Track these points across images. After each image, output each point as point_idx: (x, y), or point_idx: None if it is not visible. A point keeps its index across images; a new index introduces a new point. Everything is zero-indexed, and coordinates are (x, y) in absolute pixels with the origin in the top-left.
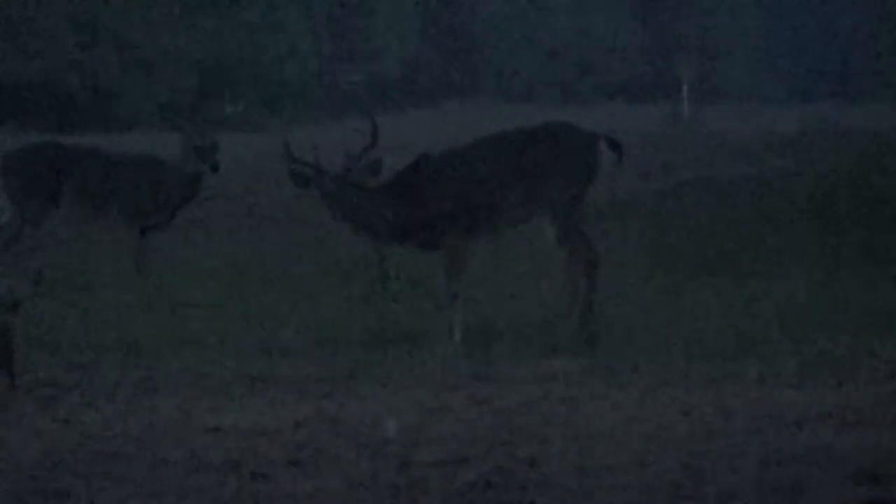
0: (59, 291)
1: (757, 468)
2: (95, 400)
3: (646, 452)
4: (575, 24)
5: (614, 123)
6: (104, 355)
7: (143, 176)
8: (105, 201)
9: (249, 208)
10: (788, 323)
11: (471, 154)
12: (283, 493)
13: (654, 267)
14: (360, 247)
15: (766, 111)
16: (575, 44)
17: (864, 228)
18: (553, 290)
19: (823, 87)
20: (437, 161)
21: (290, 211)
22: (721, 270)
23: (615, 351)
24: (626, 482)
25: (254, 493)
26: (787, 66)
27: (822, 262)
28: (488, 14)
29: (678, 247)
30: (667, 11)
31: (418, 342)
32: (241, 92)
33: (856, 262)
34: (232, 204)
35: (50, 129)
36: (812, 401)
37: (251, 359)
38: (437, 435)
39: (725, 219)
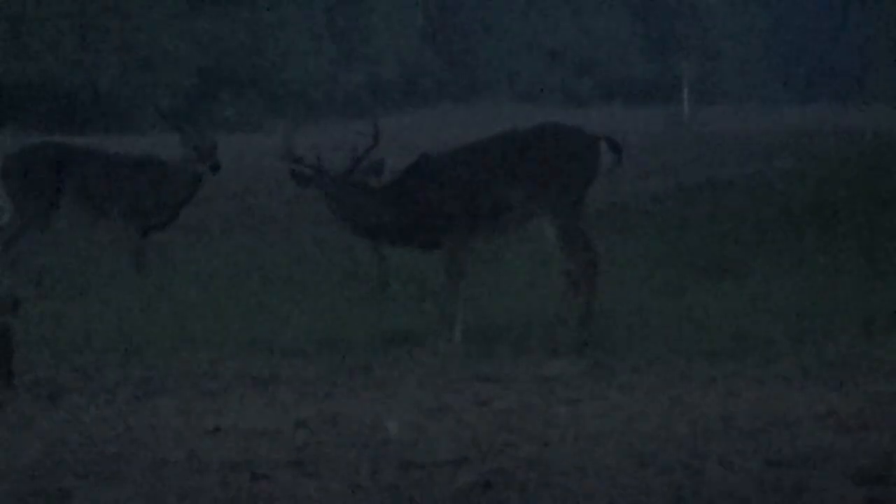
0: (59, 291)
1: (757, 468)
2: (95, 400)
3: (646, 452)
4: (575, 24)
5: (614, 124)
6: (104, 355)
7: (143, 176)
8: (105, 201)
9: (249, 208)
10: (788, 323)
11: (471, 154)
12: (283, 493)
13: (655, 267)
14: (361, 247)
15: (766, 111)
16: (575, 44)
17: (864, 229)
18: (553, 291)
19: (823, 87)
20: (437, 161)
21: (290, 211)
22: (721, 271)
23: (615, 351)
24: (626, 482)
25: (254, 494)
26: (787, 66)
27: (822, 262)
28: (488, 15)
29: (678, 247)
30: (667, 11)
31: (418, 342)
32: (241, 92)
33: (856, 262)
34: (232, 204)
35: (50, 130)
36: (812, 401)
37: (251, 359)
38: (437, 435)
39: (725, 219)
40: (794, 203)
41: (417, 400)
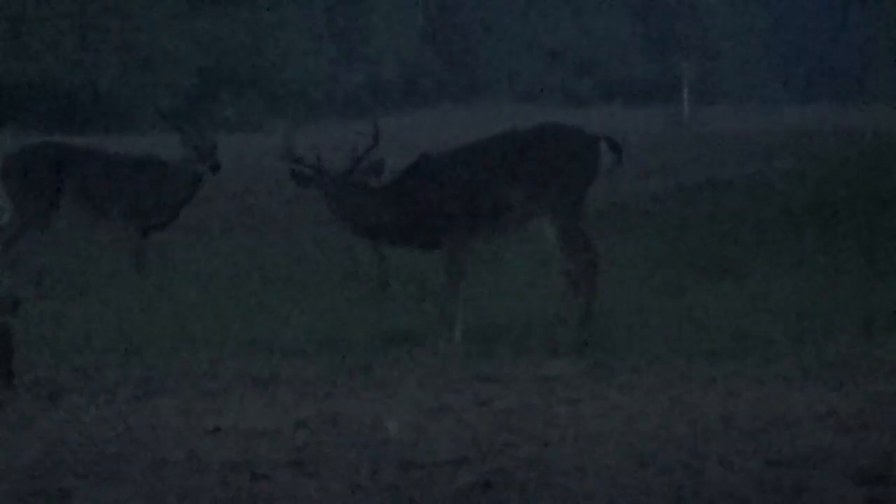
0: (59, 291)
1: (757, 468)
2: (95, 400)
3: (646, 452)
4: (575, 24)
5: (614, 124)
6: (104, 355)
7: (143, 176)
8: (105, 201)
9: (249, 208)
10: (788, 323)
11: (471, 154)
12: (283, 493)
13: (654, 267)
14: (361, 247)
15: (766, 111)
16: (575, 44)
17: (864, 229)
18: (553, 291)
19: (823, 87)
20: (437, 161)
21: (290, 211)
22: (721, 271)
23: (615, 351)
24: (626, 482)
25: (254, 494)
26: (787, 66)
27: (822, 262)
28: (488, 15)
29: (678, 247)
30: (667, 11)
31: (418, 342)
32: (241, 92)
33: (856, 262)
34: (232, 204)
35: (50, 130)
36: (812, 401)
37: (251, 359)
38: (437, 435)
39: (725, 219)
40: (794, 203)
41: (417, 400)
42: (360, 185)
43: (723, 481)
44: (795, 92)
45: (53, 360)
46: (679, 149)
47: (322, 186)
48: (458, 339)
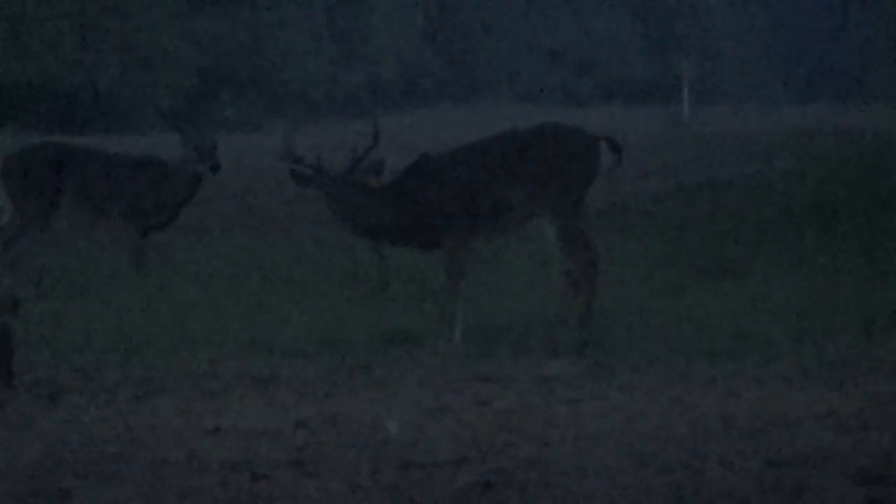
0: (59, 291)
1: (757, 468)
2: (95, 400)
3: (646, 452)
4: (575, 24)
5: (614, 124)
6: (104, 355)
7: (143, 176)
8: (105, 201)
9: (249, 208)
10: (788, 323)
11: (471, 154)
12: (283, 493)
13: (655, 267)
14: (361, 247)
15: (766, 111)
16: (575, 44)
17: (864, 229)
18: (553, 291)
19: (823, 87)
20: (437, 161)
21: (290, 211)
22: (721, 271)
23: (615, 351)
24: (626, 482)
25: (254, 494)
26: (787, 66)
27: (822, 262)
28: (488, 15)
29: (678, 247)
30: (667, 11)
31: (418, 342)
32: (241, 92)
33: (856, 262)
34: (232, 204)
35: (50, 130)
36: (812, 401)
37: (251, 359)
38: (437, 435)
39: (725, 219)
40: (794, 203)
41: (417, 400)
42: (360, 185)
43: (723, 481)
44: (795, 92)
45: (53, 360)
46: (679, 149)
47: (322, 186)
48: (458, 339)
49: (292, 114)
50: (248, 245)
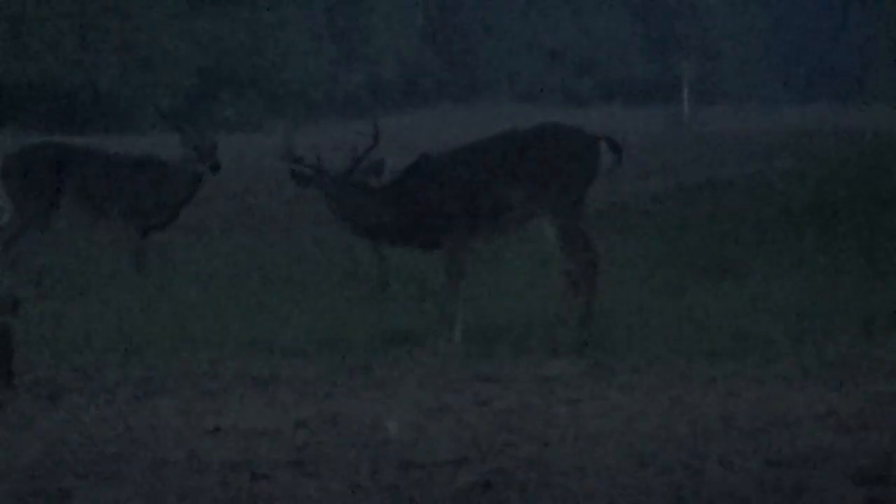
0: (59, 291)
1: (757, 468)
2: (95, 400)
3: (646, 452)
4: (575, 24)
5: (614, 124)
6: (104, 355)
7: (143, 176)
8: (105, 201)
9: (249, 208)
10: (788, 323)
11: (471, 154)
12: (283, 493)
13: (655, 267)
14: (361, 247)
15: (766, 111)
16: (575, 44)
17: (864, 229)
18: (553, 291)
19: (823, 87)
20: (437, 161)
21: (290, 211)
22: (721, 271)
23: (615, 351)
24: (626, 482)
25: (254, 494)
26: (787, 66)
27: (822, 262)
28: (488, 15)
29: (678, 247)
30: (667, 11)
31: (418, 342)
32: (241, 92)
33: (856, 262)
34: (232, 204)
35: (50, 130)
36: (812, 401)
37: (251, 359)
38: (437, 435)
39: (725, 219)
40: (794, 203)
41: (417, 400)
42: (360, 185)
43: (723, 481)
44: (795, 92)
45: (53, 360)
46: (679, 149)
47: (322, 186)
48: (458, 339)
49: (292, 114)
50: (248, 245)
